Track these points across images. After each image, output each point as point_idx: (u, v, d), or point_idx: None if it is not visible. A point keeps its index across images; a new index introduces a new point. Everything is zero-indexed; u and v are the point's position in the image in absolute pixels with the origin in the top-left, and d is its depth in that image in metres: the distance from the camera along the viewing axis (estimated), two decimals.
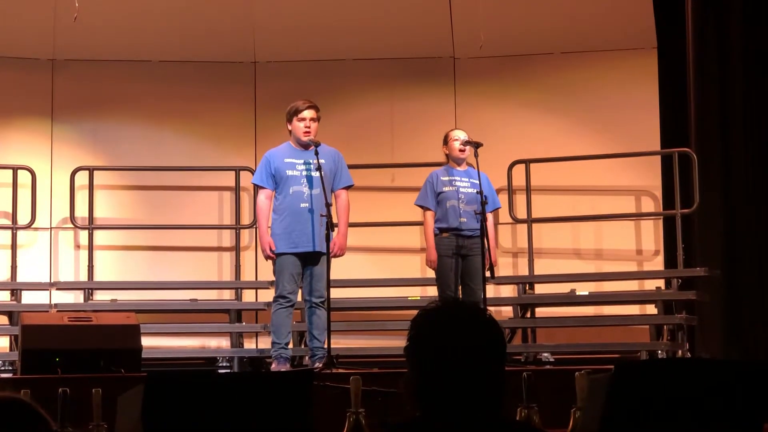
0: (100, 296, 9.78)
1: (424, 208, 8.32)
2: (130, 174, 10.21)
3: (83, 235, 9.95)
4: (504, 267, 9.76)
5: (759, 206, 9.43)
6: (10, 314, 9.32)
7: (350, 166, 8.24)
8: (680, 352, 8.99)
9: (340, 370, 7.21)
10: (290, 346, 8.23)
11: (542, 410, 4.54)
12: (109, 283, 9.88)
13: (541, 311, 9.80)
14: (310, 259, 7.90)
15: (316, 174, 7.84)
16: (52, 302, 9.52)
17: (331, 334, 7.79)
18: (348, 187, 8.11)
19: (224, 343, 9.89)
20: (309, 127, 7.97)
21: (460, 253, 8.20)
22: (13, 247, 9.69)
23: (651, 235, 10.04)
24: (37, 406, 2.63)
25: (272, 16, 10.46)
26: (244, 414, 3.90)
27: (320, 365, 7.56)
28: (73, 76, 10.27)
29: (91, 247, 9.81)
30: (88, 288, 9.70)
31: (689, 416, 3.24)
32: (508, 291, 9.89)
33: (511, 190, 9.89)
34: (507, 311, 9.83)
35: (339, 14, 10.45)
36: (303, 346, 8.90)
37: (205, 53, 10.41)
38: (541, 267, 9.80)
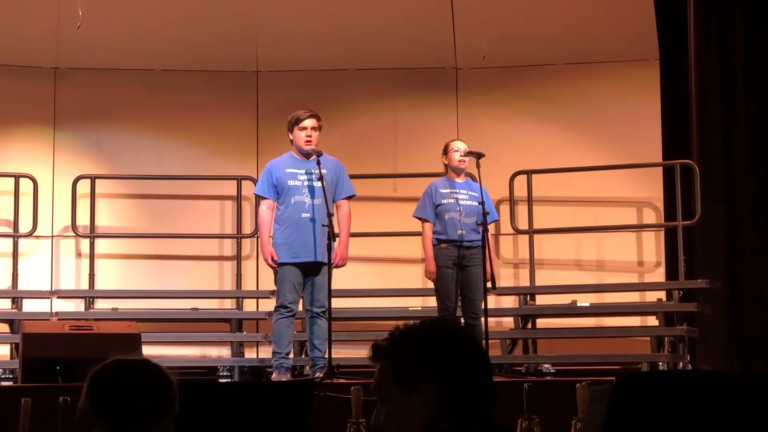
0: (101, 305, 9.78)
1: (423, 220, 8.30)
2: (132, 182, 10.21)
3: (84, 243, 9.96)
4: (505, 278, 9.77)
5: (760, 218, 9.43)
6: (11, 322, 9.32)
7: (352, 176, 8.24)
8: (681, 364, 8.98)
9: (341, 380, 7.20)
10: (291, 355, 8.23)
11: (543, 422, 4.53)
12: (110, 292, 9.88)
13: (542, 322, 9.80)
14: (311, 269, 7.90)
15: (317, 184, 7.84)
16: (53, 310, 9.51)
17: (332, 344, 7.79)
18: (350, 197, 8.12)
19: (225, 352, 9.88)
20: (310, 137, 7.97)
21: (460, 263, 8.18)
22: (15, 255, 9.69)
23: (652, 246, 10.03)
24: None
25: (275, 26, 10.47)
26: (244, 423, 3.90)
27: (321, 375, 7.55)
28: (75, 85, 10.28)
29: (92, 256, 9.82)
30: (89, 296, 9.70)
31: (690, 428, 3.23)
32: (509, 302, 9.88)
33: (512, 201, 9.89)
34: (508, 322, 9.83)
35: (341, 24, 10.46)
36: (304, 356, 8.90)
37: (208, 62, 10.42)
38: (542, 278, 9.79)
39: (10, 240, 9.74)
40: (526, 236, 9.85)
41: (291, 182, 7.94)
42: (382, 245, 10.05)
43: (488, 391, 2.59)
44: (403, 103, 10.44)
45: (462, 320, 8.12)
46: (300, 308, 8.09)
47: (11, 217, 9.76)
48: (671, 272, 9.66)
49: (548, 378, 8.95)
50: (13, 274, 9.66)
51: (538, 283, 9.75)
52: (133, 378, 2.87)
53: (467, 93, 10.40)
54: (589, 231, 10.02)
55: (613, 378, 3.57)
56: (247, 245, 10.13)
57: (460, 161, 8.30)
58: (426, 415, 2.54)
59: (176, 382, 2.90)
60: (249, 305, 9.91)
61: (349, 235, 8.10)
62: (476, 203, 8.13)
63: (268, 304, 9.04)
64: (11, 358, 9.16)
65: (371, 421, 2.62)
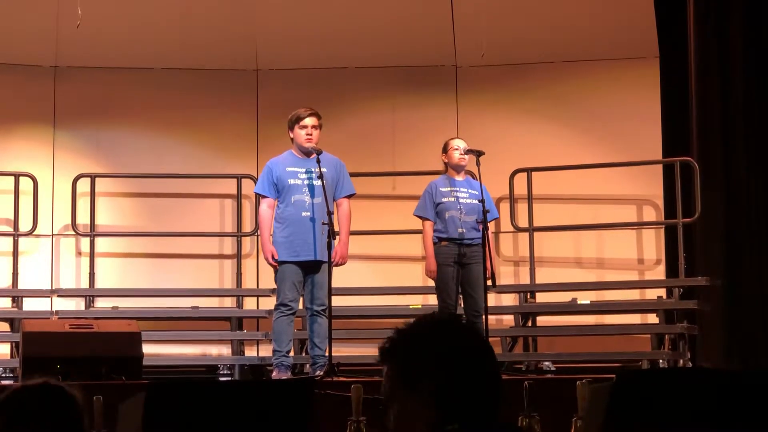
0: (102, 303, 9.78)
1: (423, 219, 8.30)
2: (132, 181, 10.21)
3: (85, 242, 9.96)
4: (505, 276, 9.77)
5: (760, 215, 9.42)
6: (11, 321, 9.33)
7: (351, 174, 8.24)
8: (681, 361, 8.98)
9: (341, 379, 7.21)
10: (291, 354, 8.22)
11: (543, 419, 4.54)
12: (111, 291, 9.88)
13: (542, 320, 9.79)
14: (311, 268, 7.90)
15: (318, 183, 7.85)
16: (54, 309, 9.52)
17: (332, 342, 7.79)
18: (350, 196, 8.12)
19: (225, 350, 9.89)
20: (311, 135, 7.98)
21: (461, 261, 8.18)
22: (15, 253, 9.69)
23: (652, 244, 10.03)
24: (71, 390, 2.66)
25: (274, 24, 10.47)
26: (245, 422, 3.90)
27: (321, 373, 7.55)
28: (75, 83, 10.27)
29: (92, 254, 9.82)
30: (90, 295, 9.70)
31: (690, 425, 3.24)
32: (509, 300, 9.89)
33: (512, 199, 9.89)
34: (508, 320, 9.84)
35: (341, 22, 10.46)
36: (304, 354, 8.90)
37: (208, 61, 10.42)
38: (543, 276, 9.79)
39: (11, 239, 9.73)
40: (527, 234, 9.84)
41: (291, 181, 7.94)
42: (381, 243, 10.05)
43: (495, 388, 2.51)
44: (403, 101, 10.44)
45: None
46: (300, 306, 8.10)
47: (11, 216, 9.76)
48: (671, 270, 9.66)
49: (548, 376, 8.96)
50: (13, 273, 9.66)
51: (539, 280, 9.75)
52: (35, 404, 2.81)
53: (467, 91, 10.40)
54: (589, 228, 10.02)
55: (614, 375, 3.57)
56: (247, 243, 10.13)
57: (459, 159, 8.30)
58: (430, 415, 2.47)
59: (82, 401, 2.83)
60: (249, 303, 9.91)
61: (349, 233, 8.10)
62: (476, 201, 8.13)
63: (269, 303, 9.04)
64: (12, 356, 9.15)
65: (384, 425, 2.57)
